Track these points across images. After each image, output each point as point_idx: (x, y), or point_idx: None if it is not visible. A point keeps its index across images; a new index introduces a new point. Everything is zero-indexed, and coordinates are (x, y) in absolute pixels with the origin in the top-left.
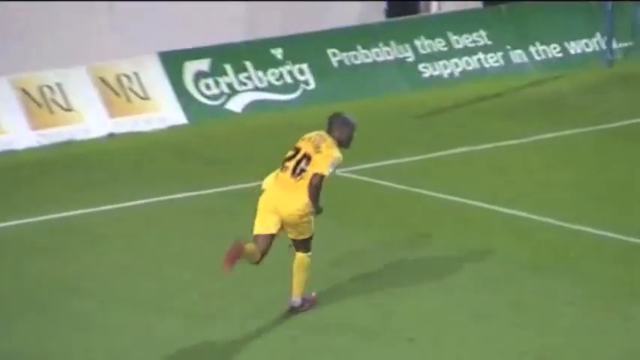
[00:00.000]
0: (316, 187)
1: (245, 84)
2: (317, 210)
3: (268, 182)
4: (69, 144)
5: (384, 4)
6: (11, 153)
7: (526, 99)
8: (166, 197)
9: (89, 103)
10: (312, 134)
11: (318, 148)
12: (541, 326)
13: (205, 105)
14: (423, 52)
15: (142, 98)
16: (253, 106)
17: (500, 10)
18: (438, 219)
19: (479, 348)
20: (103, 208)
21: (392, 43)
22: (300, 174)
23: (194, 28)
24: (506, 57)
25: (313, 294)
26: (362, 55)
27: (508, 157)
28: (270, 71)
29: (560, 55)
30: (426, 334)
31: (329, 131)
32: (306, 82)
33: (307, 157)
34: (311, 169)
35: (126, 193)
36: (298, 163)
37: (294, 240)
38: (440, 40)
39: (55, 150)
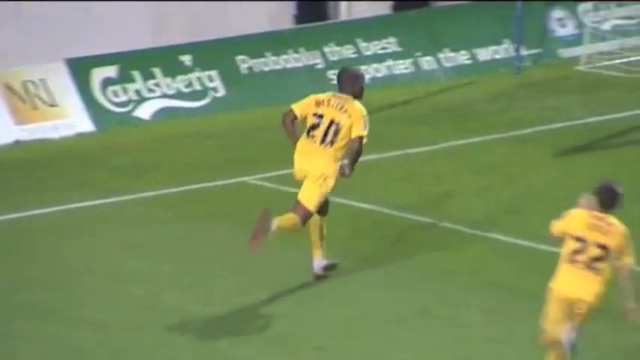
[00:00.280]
0: (358, 151)
1: (153, 91)
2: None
3: (299, 148)
4: None
5: (292, 8)
6: None
7: (436, 106)
8: (74, 205)
9: None
10: (327, 96)
11: (343, 107)
12: (452, 333)
13: (113, 112)
14: (332, 58)
15: (50, 105)
16: (162, 114)
17: (409, 17)
18: (348, 226)
19: (389, 356)
20: (10, 216)
21: (301, 49)
22: (330, 143)
23: (101, 33)
24: (415, 64)
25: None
26: (271, 62)
27: (417, 164)
28: (178, 78)
29: (469, 61)
30: (333, 343)
31: (342, 89)
32: (215, 89)
33: (335, 123)
34: (342, 137)
35: (32, 201)
36: (326, 131)
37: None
38: (349, 46)
39: None
